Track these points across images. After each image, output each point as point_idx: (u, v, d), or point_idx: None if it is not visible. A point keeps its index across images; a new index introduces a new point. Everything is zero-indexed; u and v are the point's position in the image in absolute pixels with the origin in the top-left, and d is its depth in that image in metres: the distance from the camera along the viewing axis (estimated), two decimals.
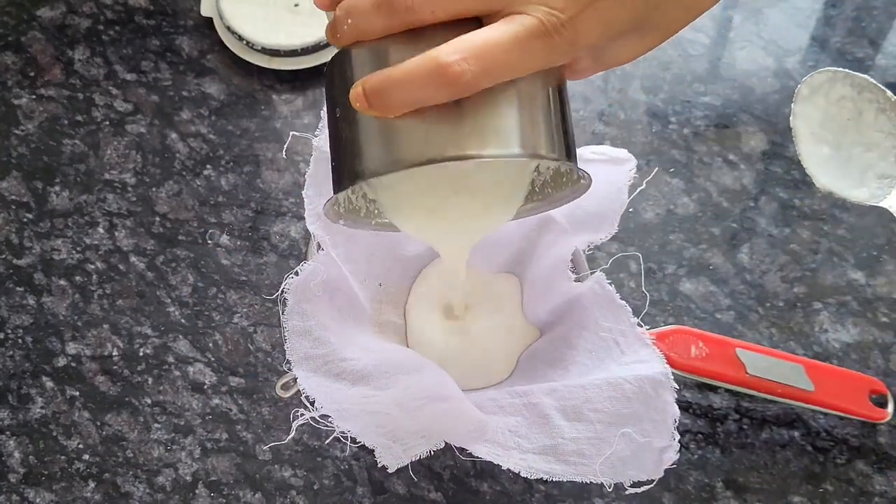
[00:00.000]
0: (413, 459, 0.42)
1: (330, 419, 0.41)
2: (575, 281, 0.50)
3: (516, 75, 0.32)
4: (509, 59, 0.31)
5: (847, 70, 0.44)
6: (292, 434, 0.43)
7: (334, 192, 0.36)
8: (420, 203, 0.41)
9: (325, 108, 0.40)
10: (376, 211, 0.43)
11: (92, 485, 0.52)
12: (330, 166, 0.36)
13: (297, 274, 0.45)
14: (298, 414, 0.41)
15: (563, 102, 0.35)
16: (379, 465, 0.41)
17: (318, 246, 0.47)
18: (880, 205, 0.43)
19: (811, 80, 0.44)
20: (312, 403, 0.42)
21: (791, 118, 0.44)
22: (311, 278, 0.45)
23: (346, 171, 0.34)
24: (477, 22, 0.33)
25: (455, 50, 0.31)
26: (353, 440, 0.41)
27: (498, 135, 0.32)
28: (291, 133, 0.61)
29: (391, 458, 0.42)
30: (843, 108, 0.44)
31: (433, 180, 0.40)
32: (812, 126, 0.44)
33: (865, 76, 0.43)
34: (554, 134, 0.34)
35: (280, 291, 0.44)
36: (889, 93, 0.43)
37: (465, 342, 0.53)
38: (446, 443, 0.44)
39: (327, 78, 0.36)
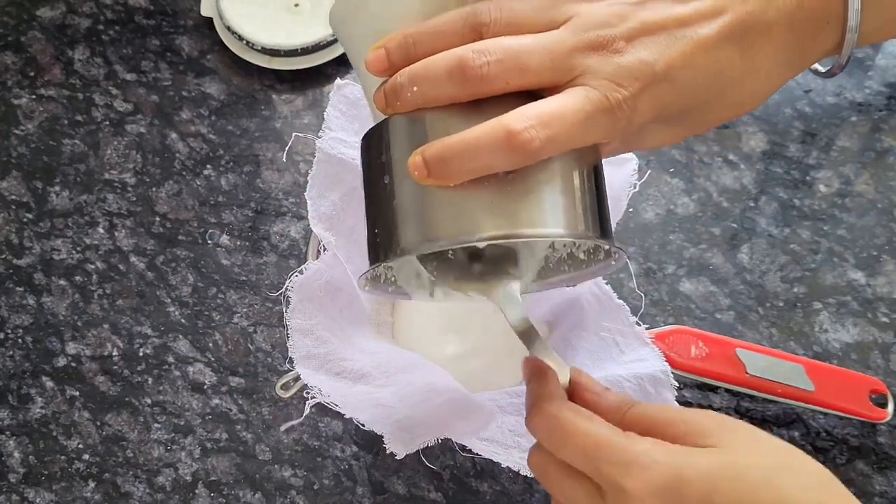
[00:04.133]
0: (421, 447, 0.43)
1: (339, 407, 0.42)
2: None
3: (577, 146, 0.32)
4: (574, 131, 0.31)
5: None
6: (306, 412, 0.42)
7: (378, 261, 0.34)
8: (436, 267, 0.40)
9: (325, 128, 0.41)
10: (392, 278, 0.41)
11: (92, 485, 0.52)
12: (367, 232, 0.35)
13: (301, 273, 0.45)
14: (310, 396, 0.41)
15: (600, 180, 0.35)
16: (388, 452, 0.41)
17: (324, 248, 0.47)
18: None
19: None
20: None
21: None
22: (315, 278, 0.45)
23: (391, 243, 0.33)
24: (532, 96, 0.32)
25: (524, 117, 0.30)
26: (362, 425, 0.42)
27: (547, 214, 0.32)
28: (294, 134, 0.61)
29: (400, 444, 0.42)
30: None
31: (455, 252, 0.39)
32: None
33: None
34: (596, 213, 0.34)
35: (283, 290, 0.44)
36: None
37: (472, 344, 0.53)
38: (446, 441, 0.44)
39: (369, 144, 0.35)
